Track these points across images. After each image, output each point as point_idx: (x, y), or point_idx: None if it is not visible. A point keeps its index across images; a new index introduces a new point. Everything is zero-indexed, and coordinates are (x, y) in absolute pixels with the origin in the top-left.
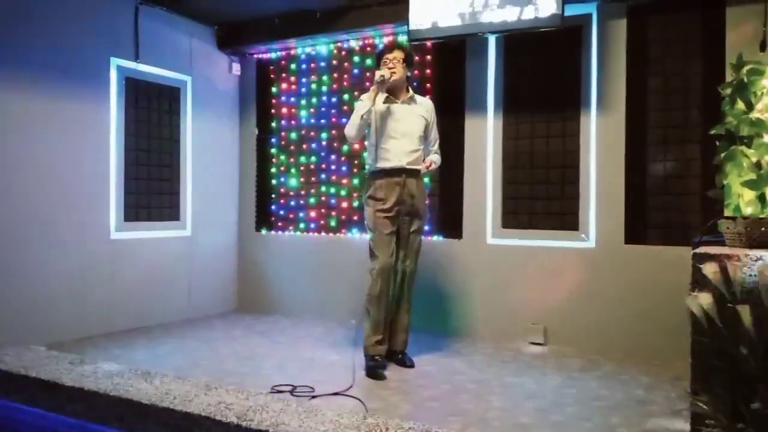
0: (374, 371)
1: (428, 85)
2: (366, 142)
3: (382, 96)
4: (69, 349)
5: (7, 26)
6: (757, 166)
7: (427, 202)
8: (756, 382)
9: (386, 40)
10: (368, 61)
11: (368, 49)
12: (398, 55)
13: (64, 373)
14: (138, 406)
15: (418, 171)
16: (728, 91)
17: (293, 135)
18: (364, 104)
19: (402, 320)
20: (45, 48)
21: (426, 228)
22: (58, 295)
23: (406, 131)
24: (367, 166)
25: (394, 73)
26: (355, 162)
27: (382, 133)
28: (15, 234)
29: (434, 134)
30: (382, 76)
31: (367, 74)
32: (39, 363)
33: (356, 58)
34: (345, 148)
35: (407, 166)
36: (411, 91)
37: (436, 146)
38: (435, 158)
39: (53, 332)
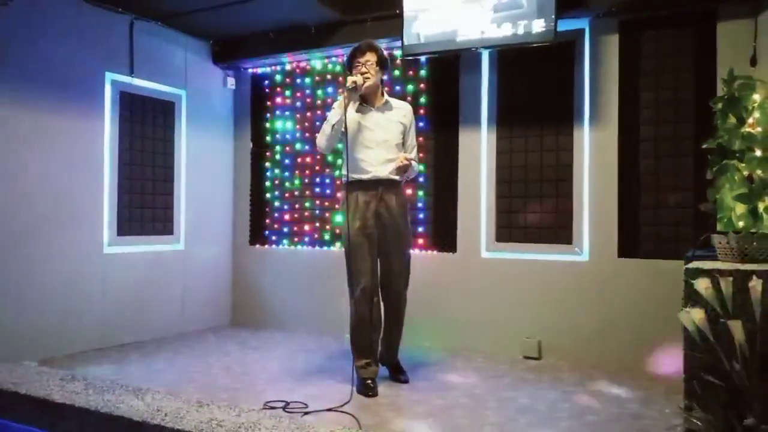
0: (365, 393)
1: (422, 99)
2: (343, 153)
3: (354, 103)
4: (61, 365)
5: (2, 40)
6: (749, 180)
7: (416, 216)
8: (749, 398)
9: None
10: None
11: None
12: (371, 57)
13: (55, 389)
14: (129, 423)
15: (398, 182)
16: (720, 105)
17: (288, 149)
18: (335, 113)
19: (394, 340)
20: (40, 62)
21: (419, 241)
22: (51, 310)
23: (382, 140)
24: (342, 178)
25: (368, 77)
26: None
27: (356, 142)
28: (7, 248)
29: (411, 140)
30: (354, 82)
31: None
32: (30, 379)
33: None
34: (339, 161)
35: (385, 176)
36: (386, 96)
37: (414, 154)
38: (411, 159)
39: (45, 348)
